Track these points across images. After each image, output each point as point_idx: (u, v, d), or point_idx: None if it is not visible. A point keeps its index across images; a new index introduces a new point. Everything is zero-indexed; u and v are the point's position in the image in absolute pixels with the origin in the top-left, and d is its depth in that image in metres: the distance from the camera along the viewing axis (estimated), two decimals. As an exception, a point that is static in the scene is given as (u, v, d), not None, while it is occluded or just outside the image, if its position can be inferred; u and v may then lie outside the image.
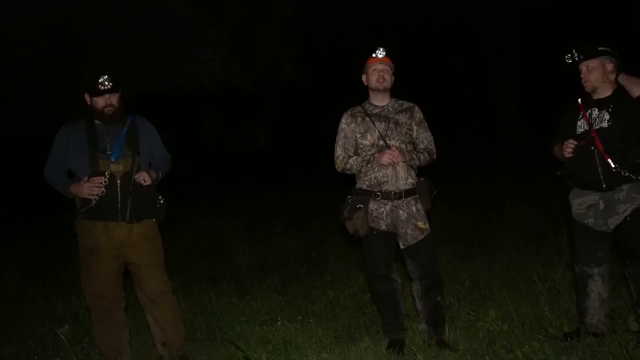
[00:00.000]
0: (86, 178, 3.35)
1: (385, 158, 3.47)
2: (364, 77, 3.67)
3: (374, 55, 3.60)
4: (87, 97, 3.44)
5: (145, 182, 3.39)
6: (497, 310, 3.91)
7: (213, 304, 4.79)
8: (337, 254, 6.44)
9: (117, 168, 3.36)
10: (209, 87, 29.30)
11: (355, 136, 3.62)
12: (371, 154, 3.55)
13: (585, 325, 3.43)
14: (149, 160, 3.53)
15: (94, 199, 3.34)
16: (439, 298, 3.61)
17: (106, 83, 3.36)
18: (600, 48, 3.34)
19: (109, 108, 3.39)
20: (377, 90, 3.60)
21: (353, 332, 3.99)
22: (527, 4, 15.82)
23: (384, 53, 3.59)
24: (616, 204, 3.24)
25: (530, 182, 9.12)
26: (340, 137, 3.67)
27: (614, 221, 3.26)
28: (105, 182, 3.33)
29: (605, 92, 3.35)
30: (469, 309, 4.11)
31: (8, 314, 5.06)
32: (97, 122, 3.44)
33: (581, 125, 3.39)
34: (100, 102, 3.39)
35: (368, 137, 3.58)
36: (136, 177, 3.38)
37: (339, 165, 3.65)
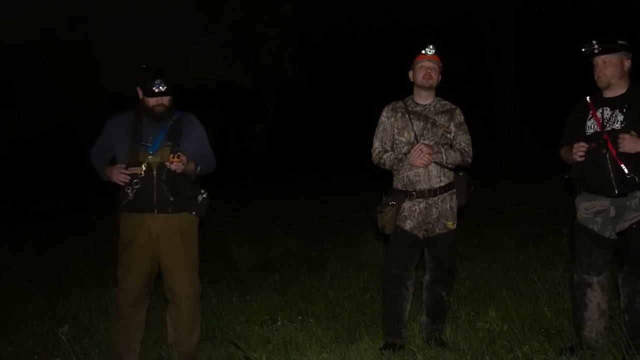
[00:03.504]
0: (124, 166, 3.37)
1: (419, 161, 3.46)
2: (410, 74, 3.65)
3: (423, 52, 3.58)
4: (139, 91, 3.44)
5: (174, 167, 3.33)
6: (497, 310, 3.91)
7: (213, 304, 4.79)
8: (337, 254, 6.44)
9: (154, 160, 3.37)
10: (209, 87, 29.29)
11: (394, 131, 3.63)
12: (404, 153, 3.55)
13: (582, 339, 3.26)
14: (188, 155, 3.48)
15: (131, 192, 3.36)
16: (443, 293, 3.63)
17: (161, 87, 3.37)
18: (620, 42, 3.13)
19: (160, 107, 3.41)
20: (422, 87, 3.59)
21: (353, 332, 3.99)
22: (527, 3, 15.82)
23: (434, 51, 3.57)
24: (626, 210, 3.08)
25: (530, 182, 9.12)
26: (379, 129, 3.68)
27: (619, 228, 3.12)
28: (141, 174, 3.34)
29: (618, 90, 3.15)
30: (469, 309, 4.11)
31: (8, 314, 5.05)
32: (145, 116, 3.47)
33: (591, 126, 3.19)
34: (152, 101, 3.40)
35: (405, 135, 3.59)
36: (169, 162, 3.33)
37: (375, 158, 3.67)
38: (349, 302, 4.70)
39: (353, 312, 4.47)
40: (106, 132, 3.54)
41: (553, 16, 15.66)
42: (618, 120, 3.10)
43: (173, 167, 3.34)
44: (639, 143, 2.98)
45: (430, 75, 3.55)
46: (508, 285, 4.52)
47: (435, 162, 3.52)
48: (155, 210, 3.38)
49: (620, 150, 3.02)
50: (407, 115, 3.60)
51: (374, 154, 3.67)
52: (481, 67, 17.65)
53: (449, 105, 3.67)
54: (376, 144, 3.67)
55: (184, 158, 3.37)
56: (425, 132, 3.56)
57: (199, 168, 3.54)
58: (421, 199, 3.53)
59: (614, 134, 3.06)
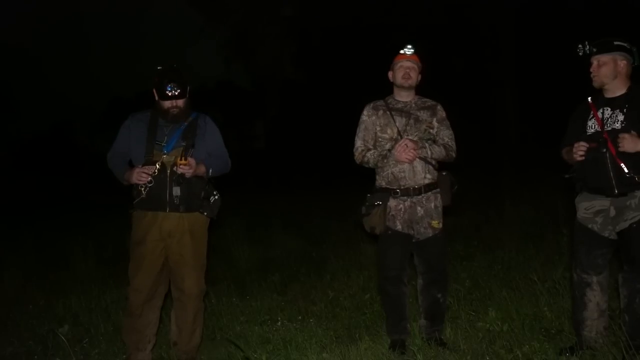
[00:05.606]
0: (140, 166, 3.40)
1: (404, 156, 3.45)
2: (390, 74, 3.66)
3: (401, 52, 3.59)
4: (154, 92, 3.46)
5: (182, 171, 3.37)
6: (497, 310, 3.90)
7: (213, 304, 4.80)
8: (337, 254, 6.44)
9: (168, 159, 3.41)
10: (209, 87, 29.30)
11: (376, 129, 3.62)
12: (387, 149, 3.54)
13: (582, 338, 3.26)
14: (202, 156, 3.52)
15: (144, 190, 3.38)
16: (439, 295, 3.60)
17: (174, 91, 3.39)
18: (616, 43, 3.15)
19: (175, 109, 3.45)
20: (402, 87, 3.60)
21: (353, 332, 3.99)
22: (527, 3, 15.83)
23: (412, 50, 3.58)
24: (626, 210, 3.07)
25: (530, 182, 9.13)
26: (360, 128, 3.67)
27: (619, 227, 3.12)
28: (154, 172, 3.37)
29: (617, 90, 3.16)
30: (469, 309, 4.11)
31: (8, 314, 5.06)
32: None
33: (592, 126, 3.20)
34: (166, 104, 3.44)
35: (388, 131, 3.58)
36: (178, 166, 3.36)
37: (357, 157, 3.65)
38: (349, 302, 4.70)
39: (353, 312, 4.47)
40: (123, 133, 3.56)
41: (553, 16, 15.67)
42: (618, 120, 3.11)
43: (180, 170, 3.37)
44: (639, 143, 2.98)
45: (409, 75, 3.56)
46: (508, 285, 4.51)
47: (419, 158, 3.50)
48: (168, 209, 3.42)
49: (620, 149, 3.02)
50: (388, 112, 3.60)
51: (356, 153, 3.65)
52: (481, 67, 17.66)
53: (429, 101, 3.68)
54: (358, 142, 3.65)
55: (192, 162, 3.39)
56: (408, 127, 3.56)
57: (210, 170, 3.54)
58: (406, 197, 3.52)
59: (614, 133, 3.07)
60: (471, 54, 18.25)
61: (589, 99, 3.29)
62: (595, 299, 3.24)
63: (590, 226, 3.23)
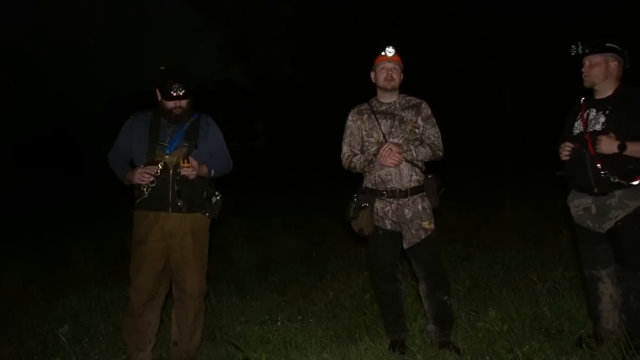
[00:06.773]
0: (142, 166, 3.40)
1: (389, 161, 3.43)
2: (372, 75, 3.65)
3: (382, 53, 3.58)
4: (157, 92, 3.46)
5: (185, 173, 3.37)
6: (497, 310, 3.91)
7: (213, 304, 4.80)
8: (337, 254, 6.44)
9: (171, 159, 3.41)
10: (209, 87, 29.31)
11: (362, 133, 3.61)
12: (372, 154, 3.54)
13: (600, 330, 3.32)
14: (204, 157, 3.52)
15: (146, 190, 3.39)
16: (445, 298, 3.55)
17: (179, 92, 3.39)
18: (608, 44, 3.22)
19: (178, 110, 3.44)
20: (384, 89, 3.59)
21: (353, 332, 3.99)
22: (527, 4, 15.84)
23: (393, 51, 3.57)
24: (608, 209, 3.17)
25: (530, 182, 9.12)
26: (346, 134, 3.67)
27: (606, 225, 3.19)
28: (156, 172, 3.37)
29: (607, 91, 3.24)
30: (469, 309, 4.10)
31: (8, 314, 5.06)
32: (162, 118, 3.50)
33: (577, 126, 3.30)
34: (169, 104, 3.43)
35: (374, 135, 3.57)
36: (181, 168, 3.36)
37: (345, 163, 3.65)
38: (349, 302, 4.70)
39: (353, 312, 4.47)
40: (125, 133, 3.56)
41: (553, 16, 15.67)
42: (599, 122, 3.20)
43: (183, 172, 3.37)
44: (615, 144, 3.06)
45: (391, 76, 3.55)
46: (508, 285, 4.52)
47: (406, 160, 3.49)
48: (170, 209, 3.42)
49: (597, 150, 3.12)
50: (373, 116, 3.58)
51: (343, 159, 3.65)
52: (481, 67, 17.66)
53: (414, 100, 3.64)
54: (345, 148, 3.66)
55: (195, 163, 3.39)
56: (393, 129, 3.54)
57: (212, 171, 3.54)
58: (392, 199, 3.51)
59: (595, 135, 3.16)
60: (472, 54, 18.25)
61: (582, 99, 3.38)
62: (607, 291, 3.32)
63: (586, 223, 3.32)
